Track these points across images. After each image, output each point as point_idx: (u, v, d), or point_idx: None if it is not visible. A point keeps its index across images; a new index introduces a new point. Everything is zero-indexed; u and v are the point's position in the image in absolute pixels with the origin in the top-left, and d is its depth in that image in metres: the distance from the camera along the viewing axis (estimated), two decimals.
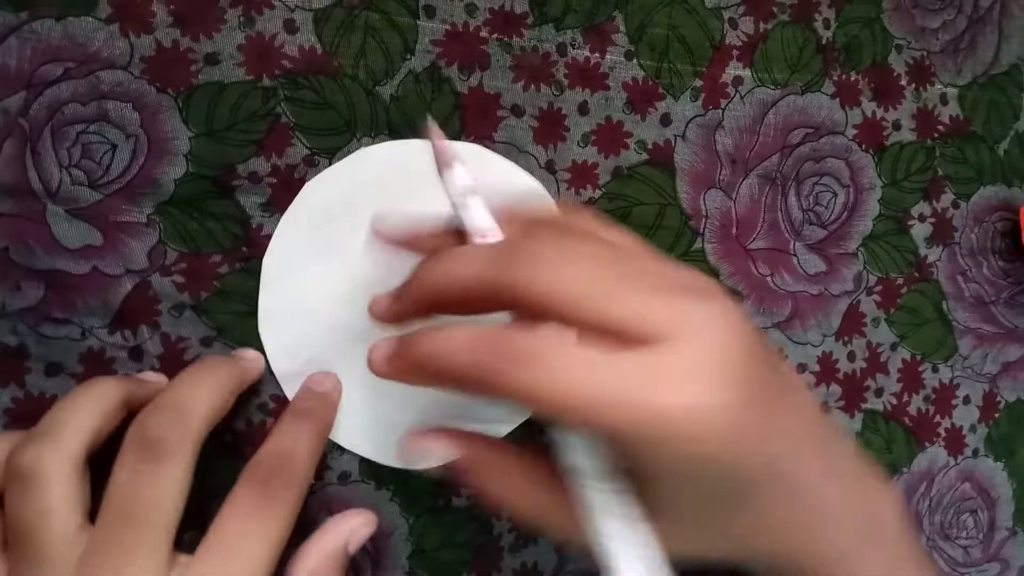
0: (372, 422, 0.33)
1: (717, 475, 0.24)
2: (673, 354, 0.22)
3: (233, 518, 0.27)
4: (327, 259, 0.33)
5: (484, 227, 0.27)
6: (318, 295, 0.33)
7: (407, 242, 0.30)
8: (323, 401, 0.32)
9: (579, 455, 0.25)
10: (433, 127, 0.29)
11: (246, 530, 0.27)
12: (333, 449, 0.33)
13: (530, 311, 0.24)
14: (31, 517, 0.26)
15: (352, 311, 0.32)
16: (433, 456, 0.29)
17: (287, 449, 0.30)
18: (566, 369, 0.22)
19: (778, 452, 0.25)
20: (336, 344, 0.33)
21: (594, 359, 0.22)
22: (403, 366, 0.25)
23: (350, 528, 0.31)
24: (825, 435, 0.28)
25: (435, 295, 0.26)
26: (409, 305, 0.27)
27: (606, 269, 0.24)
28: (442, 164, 0.28)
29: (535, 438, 0.35)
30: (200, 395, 0.28)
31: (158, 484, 0.26)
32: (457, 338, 0.24)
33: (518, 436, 0.35)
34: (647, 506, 0.26)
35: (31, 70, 0.30)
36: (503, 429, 0.35)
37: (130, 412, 0.28)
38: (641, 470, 0.25)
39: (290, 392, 0.33)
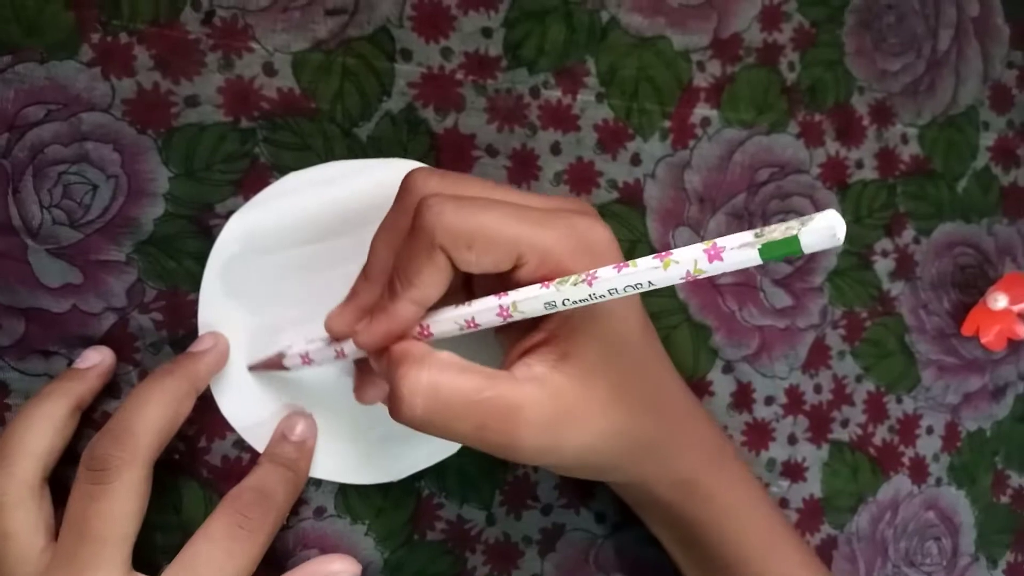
0: (345, 449, 0.33)
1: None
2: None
3: (205, 544, 0.28)
4: (262, 305, 0.32)
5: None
6: (261, 341, 0.32)
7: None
8: (299, 450, 0.32)
9: None
10: None
11: (214, 557, 0.28)
12: (308, 484, 0.34)
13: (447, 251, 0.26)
14: None
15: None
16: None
17: (267, 487, 0.30)
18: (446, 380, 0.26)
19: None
20: (296, 386, 0.33)
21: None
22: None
23: (328, 572, 0.32)
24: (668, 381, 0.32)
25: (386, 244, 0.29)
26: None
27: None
28: None
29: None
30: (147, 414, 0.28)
31: (107, 500, 0.27)
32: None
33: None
34: None
35: (14, 112, 0.30)
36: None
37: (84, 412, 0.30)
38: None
39: (256, 443, 0.32)
